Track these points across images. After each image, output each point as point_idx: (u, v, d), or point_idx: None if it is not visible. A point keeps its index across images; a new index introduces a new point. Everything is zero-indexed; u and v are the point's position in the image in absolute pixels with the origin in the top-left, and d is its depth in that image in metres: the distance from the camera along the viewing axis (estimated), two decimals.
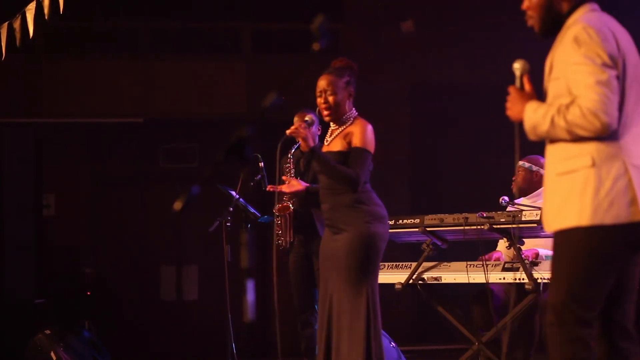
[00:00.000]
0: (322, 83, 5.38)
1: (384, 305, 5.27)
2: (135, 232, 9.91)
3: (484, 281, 5.88)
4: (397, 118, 9.85)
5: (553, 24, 3.58)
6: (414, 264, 6.30)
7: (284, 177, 6.59)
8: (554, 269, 3.52)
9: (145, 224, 9.95)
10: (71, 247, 9.70)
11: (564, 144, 3.47)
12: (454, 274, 6.10)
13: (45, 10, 5.30)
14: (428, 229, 6.15)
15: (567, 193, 3.44)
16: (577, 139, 3.41)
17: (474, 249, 6.44)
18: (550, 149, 3.55)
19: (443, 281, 6.18)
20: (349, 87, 5.40)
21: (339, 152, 5.31)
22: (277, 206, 6.63)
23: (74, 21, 9.38)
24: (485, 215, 5.89)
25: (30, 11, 5.36)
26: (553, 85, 3.51)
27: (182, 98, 9.80)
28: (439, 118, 10.00)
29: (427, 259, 6.26)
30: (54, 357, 6.58)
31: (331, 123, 5.45)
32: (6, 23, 5.53)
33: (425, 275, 6.24)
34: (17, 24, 5.44)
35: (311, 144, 5.24)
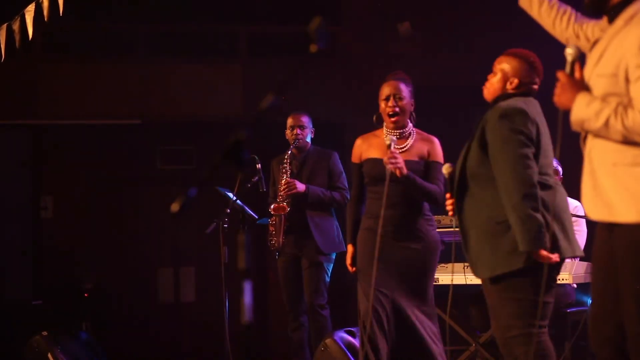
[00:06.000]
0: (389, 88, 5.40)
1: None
2: (132, 233, 9.90)
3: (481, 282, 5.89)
4: None
5: (600, 4, 3.39)
6: None
7: (283, 180, 6.64)
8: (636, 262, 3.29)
9: (143, 226, 9.95)
10: (69, 249, 9.69)
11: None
12: (451, 275, 6.11)
13: (45, 12, 5.29)
14: None
15: None
16: (630, 143, 3.24)
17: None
18: (599, 142, 3.34)
19: (440, 282, 6.19)
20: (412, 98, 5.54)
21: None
22: (273, 206, 6.67)
23: (72, 23, 9.38)
24: None
25: (29, 13, 5.35)
26: (605, 82, 3.29)
27: (180, 100, 9.80)
28: (436, 120, 10.01)
29: None
30: (51, 359, 6.57)
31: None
32: (5, 25, 5.52)
33: None
34: (16, 26, 5.43)
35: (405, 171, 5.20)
